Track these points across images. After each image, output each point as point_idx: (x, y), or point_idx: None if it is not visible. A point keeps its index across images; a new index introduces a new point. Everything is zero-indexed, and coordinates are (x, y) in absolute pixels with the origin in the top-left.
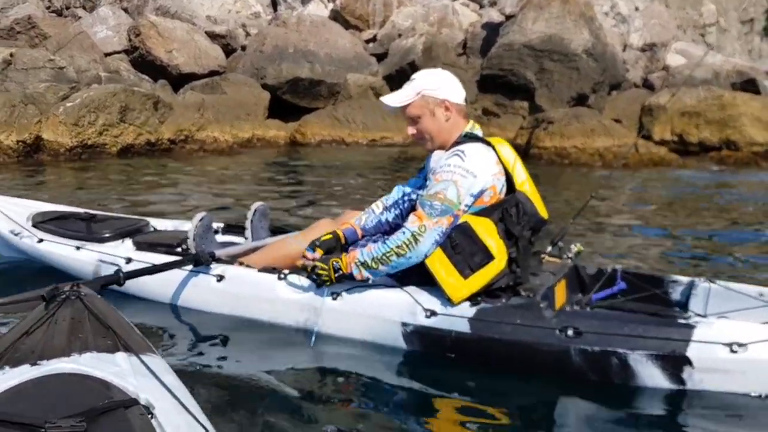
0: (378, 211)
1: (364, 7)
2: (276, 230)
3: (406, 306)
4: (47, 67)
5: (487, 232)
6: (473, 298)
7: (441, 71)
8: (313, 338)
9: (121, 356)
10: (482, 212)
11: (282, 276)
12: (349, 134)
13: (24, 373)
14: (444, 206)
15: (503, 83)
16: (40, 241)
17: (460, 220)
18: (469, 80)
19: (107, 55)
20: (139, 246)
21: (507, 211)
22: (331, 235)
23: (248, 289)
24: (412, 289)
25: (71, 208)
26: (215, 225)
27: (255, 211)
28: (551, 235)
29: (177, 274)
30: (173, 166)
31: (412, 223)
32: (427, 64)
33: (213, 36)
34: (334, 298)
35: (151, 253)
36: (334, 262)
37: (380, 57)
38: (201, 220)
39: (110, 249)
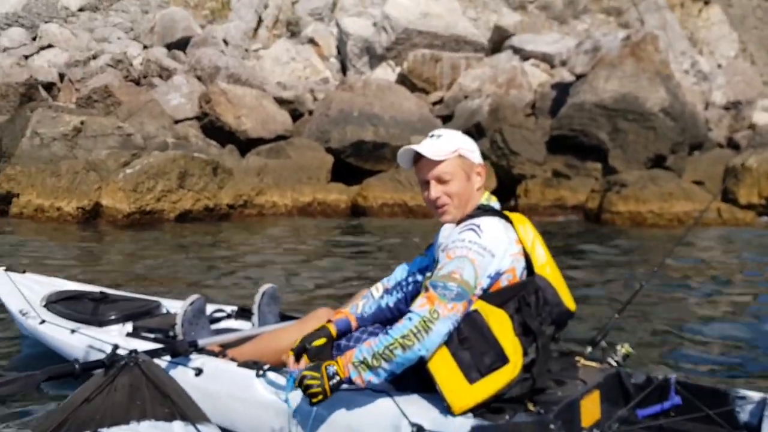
0: (377, 294)
1: (431, 71)
2: (285, 317)
3: (389, 418)
4: (115, 134)
5: (502, 327)
6: (476, 410)
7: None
8: None
9: (178, 425)
10: (494, 300)
11: (261, 372)
12: (411, 198)
13: None
14: (461, 289)
15: (574, 144)
16: (42, 322)
17: (471, 308)
18: (538, 141)
19: (180, 121)
20: (134, 331)
21: (524, 299)
22: (325, 338)
23: (225, 386)
24: (401, 396)
25: (89, 287)
26: (228, 309)
27: (263, 294)
28: (593, 331)
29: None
30: (228, 234)
31: (420, 306)
32: (493, 125)
33: (281, 101)
34: (311, 404)
35: (137, 340)
36: (328, 367)
37: (446, 119)
38: (191, 304)
39: (102, 334)
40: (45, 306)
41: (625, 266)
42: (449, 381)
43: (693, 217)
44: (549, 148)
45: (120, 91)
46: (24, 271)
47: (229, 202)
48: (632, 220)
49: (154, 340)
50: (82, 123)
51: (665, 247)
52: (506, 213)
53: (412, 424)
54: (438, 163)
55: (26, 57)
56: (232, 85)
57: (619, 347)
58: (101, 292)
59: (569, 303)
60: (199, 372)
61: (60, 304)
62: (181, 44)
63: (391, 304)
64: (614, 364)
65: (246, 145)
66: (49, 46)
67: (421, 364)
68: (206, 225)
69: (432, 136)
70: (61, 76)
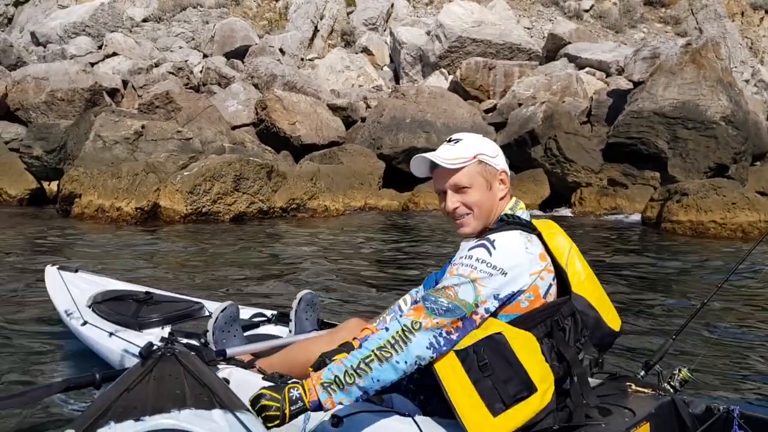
0: (405, 307)
1: (484, 78)
2: (324, 323)
3: None
4: (174, 138)
5: (529, 352)
6: None
7: (484, 137)
8: None
9: (217, 413)
10: (519, 322)
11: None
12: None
13: (128, 428)
14: (452, 305)
15: (632, 152)
16: (84, 323)
17: (492, 330)
18: (594, 149)
19: (236, 127)
20: (169, 336)
21: (558, 323)
22: (345, 353)
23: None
24: (425, 420)
25: (135, 287)
26: (269, 313)
27: (300, 300)
28: (647, 354)
29: None
30: (282, 236)
31: (406, 315)
32: (547, 133)
33: (335, 108)
34: (335, 425)
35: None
36: (291, 390)
37: (499, 126)
38: (222, 311)
39: (139, 339)
40: (90, 306)
41: (686, 281)
42: (471, 413)
43: (758, 228)
44: (605, 156)
45: (180, 98)
46: (76, 270)
47: (283, 206)
48: (693, 230)
49: (186, 346)
50: (143, 127)
51: (729, 261)
52: (535, 222)
53: None
54: (455, 171)
55: (92, 64)
56: (288, 92)
57: (676, 372)
58: (146, 293)
59: (613, 323)
60: (226, 382)
61: (105, 304)
62: (239, 53)
63: None
64: (670, 390)
65: (300, 150)
66: (114, 54)
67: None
68: (260, 226)
69: (450, 141)
70: (125, 83)
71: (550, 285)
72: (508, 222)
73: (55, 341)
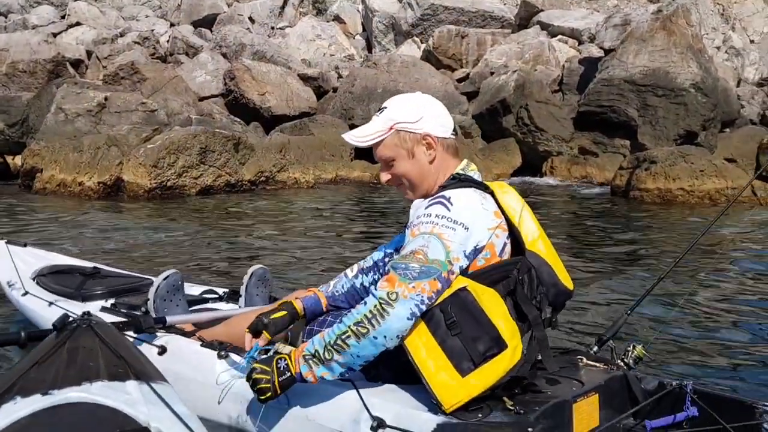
0: (351, 274)
1: (456, 47)
2: (276, 300)
3: (349, 409)
4: (139, 110)
5: (496, 308)
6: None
7: (420, 96)
8: None
9: (131, 384)
10: (479, 280)
11: (222, 354)
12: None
13: (35, 402)
14: (425, 267)
15: (602, 120)
16: (25, 294)
17: (457, 285)
18: (565, 117)
19: (204, 98)
20: (111, 306)
21: (518, 280)
22: (284, 312)
23: (186, 366)
24: (367, 386)
25: (83, 263)
26: (220, 291)
27: (251, 275)
28: (601, 328)
29: None
30: (248, 210)
31: (380, 287)
32: (519, 102)
33: (305, 78)
34: (260, 401)
35: (108, 315)
36: (279, 361)
37: (471, 96)
38: (165, 279)
39: (79, 309)
40: (34, 279)
41: (648, 253)
42: (437, 374)
43: (725, 195)
44: (576, 124)
45: (146, 68)
46: (25, 245)
47: (251, 178)
48: (661, 198)
49: (125, 315)
50: (106, 99)
51: (694, 230)
52: (487, 183)
53: (373, 418)
54: (376, 146)
55: (55, 35)
56: (257, 62)
57: (630, 348)
58: (94, 267)
59: (566, 281)
60: (162, 350)
61: (49, 277)
62: (207, 22)
63: (367, 284)
64: (623, 366)
65: (270, 122)
66: (78, 23)
67: (398, 352)
68: (227, 200)
69: (380, 109)
70: (89, 54)
71: (505, 244)
72: (461, 180)
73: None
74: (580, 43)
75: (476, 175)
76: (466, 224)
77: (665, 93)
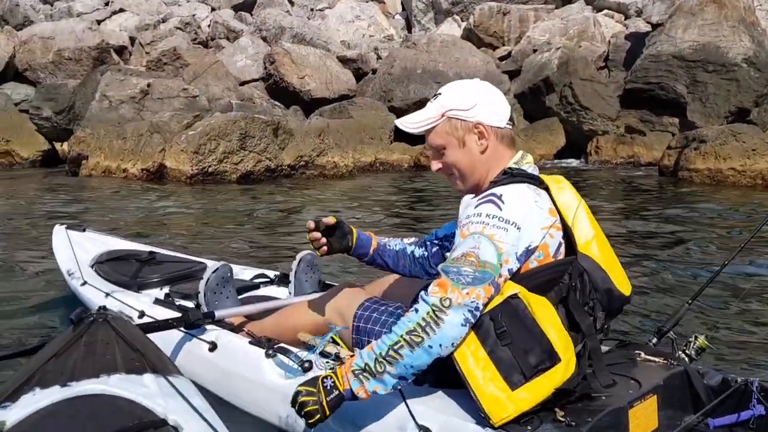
0: (407, 241)
1: (498, 24)
2: (326, 285)
3: (395, 416)
4: (181, 96)
5: (548, 318)
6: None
7: (476, 82)
8: None
9: (149, 377)
10: (529, 286)
11: (270, 352)
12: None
13: (54, 394)
14: (478, 272)
15: (650, 97)
16: (84, 283)
17: (508, 292)
18: (611, 95)
19: (245, 83)
20: (165, 297)
21: (571, 286)
22: (335, 218)
23: (235, 364)
24: (414, 392)
25: (141, 247)
26: (272, 274)
27: (300, 261)
28: (660, 319)
29: (174, 335)
30: (289, 194)
31: (432, 293)
32: (562, 80)
33: (344, 60)
34: (309, 426)
35: (163, 308)
36: (325, 380)
37: (513, 74)
38: (214, 272)
39: (134, 300)
40: (92, 266)
41: (704, 237)
42: (486, 386)
43: None
44: (622, 102)
45: (188, 54)
46: (84, 230)
47: (291, 163)
48: (711, 178)
49: (178, 309)
50: (148, 86)
51: (750, 213)
52: (543, 177)
53: (419, 427)
54: (428, 133)
55: (99, 22)
56: (296, 45)
57: (692, 339)
58: (150, 253)
59: (623, 287)
60: (213, 347)
61: (107, 264)
62: (247, 5)
63: (416, 255)
64: (685, 359)
65: (310, 105)
66: (121, 10)
67: (447, 360)
68: (268, 185)
69: (434, 95)
70: (132, 40)
71: (560, 244)
72: (514, 175)
73: (56, 301)
74: (627, 17)
75: (531, 168)
76: (518, 224)
77: (716, 68)
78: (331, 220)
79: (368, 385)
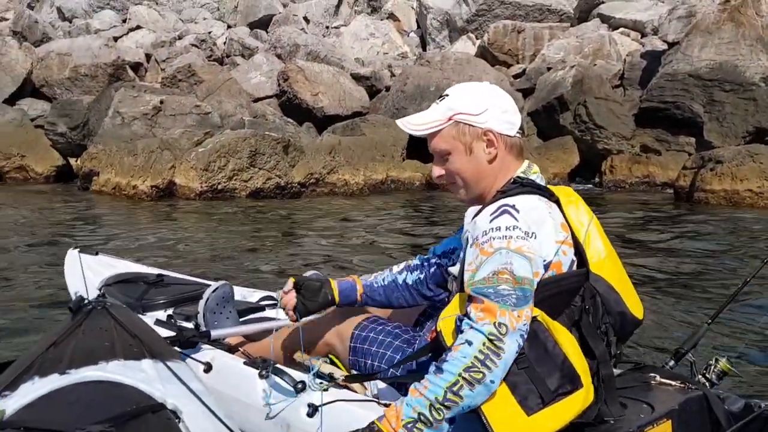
0: (396, 269)
1: (513, 42)
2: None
3: None
4: (193, 113)
5: (569, 343)
6: None
7: (487, 86)
8: None
9: (147, 363)
10: (539, 303)
11: (264, 373)
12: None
13: (53, 382)
14: (519, 290)
15: (666, 117)
16: None
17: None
18: (626, 114)
19: (259, 99)
20: (167, 318)
21: (583, 309)
22: (319, 282)
23: (229, 386)
24: None
25: (149, 270)
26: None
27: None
28: (677, 342)
29: None
30: (299, 213)
31: (480, 320)
32: (577, 98)
33: (358, 78)
34: (310, 415)
35: (163, 329)
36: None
37: (527, 92)
38: (214, 291)
39: None
40: (100, 289)
41: (722, 258)
42: (498, 411)
43: None
44: (638, 121)
45: (203, 71)
46: (96, 253)
47: (301, 180)
48: (728, 200)
49: (177, 329)
50: (161, 102)
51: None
52: (552, 189)
53: None
54: (432, 136)
55: (116, 39)
56: (310, 62)
57: (713, 362)
58: (158, 275)
59: (635, 309)
60: (208, 368)
61: (114, 287)
62: (263, 23)
63: (409, 282)
64: (705, 383)
65: (323, 122)
66: (138, 27)
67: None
68: (278, 203)
69: (440, 96)
70: (148, 57)
71: (572, 262)
72: (523, 184)
73: (61, 317)
74: (643, 35)
75: (539, 179)
76: (535, 234)
77: (733, 88)
78: (289, 283)
79: None
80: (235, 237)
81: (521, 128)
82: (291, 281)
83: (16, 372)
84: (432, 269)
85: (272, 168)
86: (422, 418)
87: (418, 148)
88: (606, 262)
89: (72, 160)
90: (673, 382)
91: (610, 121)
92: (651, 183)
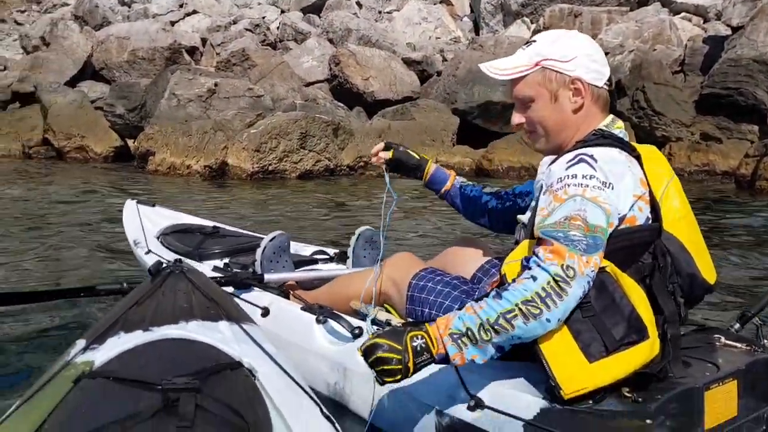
0: (486, 190)
1: (569, 26)
2: None
3: (447, 384)
4: (246, 96)
5: (638, 296)
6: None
7: (576, 33)
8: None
9: (223, 324)
10: (608, 254)
11: (321, 318)
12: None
13: (137, 337)
14: (590, 237)
15: (728, 103)
16: (148, 252)
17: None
18: (686, 100)
19: (311, 84)
20: (224, 266)
21: (655, 266)
22: (417, 155)
23: (287, 329)
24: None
25: (205, 222)
26: (331, 252)
27: (358, 236)
28: (743, 305)
29: None
30: (348, 192)
31: (548, 260)
32: (635, 84)
33: (409, 62)
34: (382, 384)
35: (219, 275)
36: (414, 339)
37: None
38: (271, 240)
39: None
40: (158, 237)
41: None
42: (560, 356)
43: None
44: (698, 108)
45: (256, 55)
46: (154, 205)
47: (350, 163)
48: None
49: (233, 273)
50: (215, 85)
51: None
52: (635, 145)
53: (471, 396)
54: (516, 82)
55: (172, 23)
56: (362, 47)
57: None
58: (214, 227)
59: (707, 273)
60: (266, 312)
61: (171, 236)
62: (316, 8)
63: (489, 205)
64: None
65: (373, 107)
66: (194, 12)
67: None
68: (326, 185)
69: (527, 42)
70: (203, 41)
71: (647, 219)
72: (604, 137)
73: (122, 269)
74: (706, 20)
75: (622, 135)
76: (613, 185)
77: None
78: (412, 153)
79: (466, 352)
80: (284, 214)
81: (609, 80)
82: (388, 153)
83: (102, 328)
84: (507, 204)
85: (322, 150)
86: (469, 333)
87: (468, 133)
88: (681, 222)
89: (129, 142)
90: (739, 344)
91: (670, 107)
92: (711, 171)
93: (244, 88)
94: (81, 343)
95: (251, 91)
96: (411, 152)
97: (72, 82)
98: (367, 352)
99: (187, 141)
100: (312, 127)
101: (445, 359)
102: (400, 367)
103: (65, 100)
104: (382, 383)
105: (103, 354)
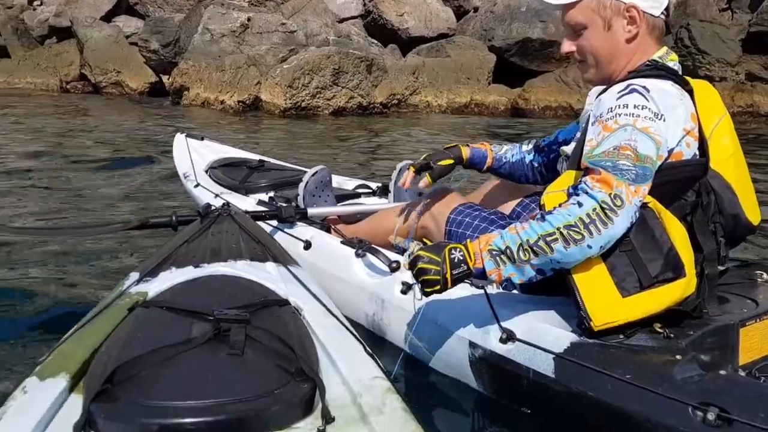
0: (525, 148)
1: None
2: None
3: (480, 317)
4: (279, 31)
5: (677, 232)
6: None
7: None
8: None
9: (270, 265)
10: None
11: (360, 252)
12: (578, 100)
13: (189, 272)
14: (639, 167)
15: None
16: (197, 185)
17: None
18: (732, 39)
19: (344, 20)
20: (269, 200)
21: (698, 204)
22: (451, 160)
23: (328, 262)
24: (500, 294)
25: (252, 155)
26: (374, 186)
27: (399, 171)
28: None
29: (274, 234)
30: (383, 128)
31: (595, 188)
32: (680, 21)
33: None
34: (404, 292)
35: (265, 208)
36: (453, 251)
37: None
38: (314, 174)
39: (242, 202)
40: (207, 171)
41: None
42: (592, 288)
43: None
44: (745, 47)
45: None
46: (202, 138)
47: (383, 101)
48: None
49: (277, 207)
50: (248, 20)
51: None
52: (688, 79)
53: (503, 329)
54: (568, 7)
55: None
56: None
57: None
58: (260, 160)
59: (751, 214)
60: (308, 245)
61: (219, 169)
62: None
63: (536, 164)
64: None
65: (408, 44)
66: None
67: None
68: (359, 122)
69: None
70: None
71: (695, 156)
72: (657, 68)
73: (173, 201)
74: None
75: (676, 67)
76: (665, 117)
77: None
78: (447, 162)
79: (504, 270)
80: (320, 149)
81: (667, 9)
82: (426, 179)
83: (155, 262)
84: (552, 155)
85: (355, 87)
86: (508, 252)
87: (504, 72)
88: (729, 161)
89: (164, 78)
90: None
91: (715, 45)
92: (755, 113)
93: (277, 23)
94: (134, 275)
95: (284, 26)
96: (442, 159)
97: (107, 17)
98: (411, 265)
99: (221, 76)
100: (345, 62)
101: (482, 274)
102: (438, 278)
103: (101, 35)
104: (424, 294)
105: (156, 286)
